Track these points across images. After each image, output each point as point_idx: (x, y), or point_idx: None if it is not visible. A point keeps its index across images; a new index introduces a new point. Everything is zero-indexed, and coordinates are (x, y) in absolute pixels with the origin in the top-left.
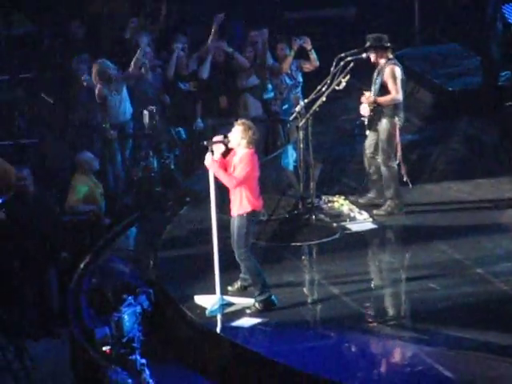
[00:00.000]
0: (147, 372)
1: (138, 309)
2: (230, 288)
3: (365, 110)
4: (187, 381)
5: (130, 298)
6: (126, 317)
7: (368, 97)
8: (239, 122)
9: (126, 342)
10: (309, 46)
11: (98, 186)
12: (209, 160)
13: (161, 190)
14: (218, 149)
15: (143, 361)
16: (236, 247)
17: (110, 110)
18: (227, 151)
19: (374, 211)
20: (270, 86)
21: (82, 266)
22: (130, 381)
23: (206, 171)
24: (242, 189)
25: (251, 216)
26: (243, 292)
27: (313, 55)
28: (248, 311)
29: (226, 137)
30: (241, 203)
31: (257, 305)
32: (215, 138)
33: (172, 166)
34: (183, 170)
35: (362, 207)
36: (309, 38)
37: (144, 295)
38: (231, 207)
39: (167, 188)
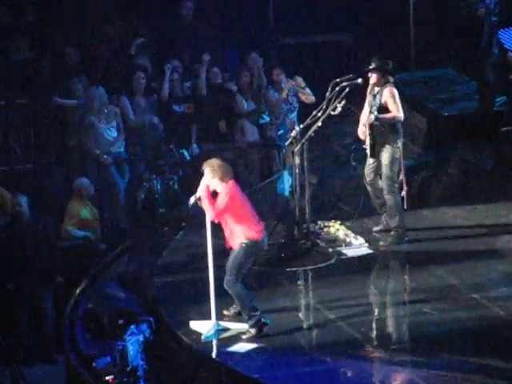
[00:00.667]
0: None
1: (141, 338)
2: (225, 312)
3: (362, 133)
4: None
5: (132, 326)
6: (129, 346)
7: (369, 117)
8: (203, 167)
9: (131, 371)
10: (302, 84)
11: (94, 212)
12: (202, 187)
13: (165, 212)
14: (204, 198)
15: None
16: (227, 273)
17: (98, 138)
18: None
19: (381, 243)
20: (266, 112)
21: (77, 291)
22: None
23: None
24: (233, 220)
25: (250, 246)
26: (239, 317)
27: (307, 92)
28: (243, 337)
29: (197, 197)
30: (234, 234)
31: (251, 330)
32: (194, 198)
33: (176, 187)
34: (187, 192)
35: (364, 233)
36: (301, 78)
37: (145, 324)
38: (229, 241)
39: (172, 209)
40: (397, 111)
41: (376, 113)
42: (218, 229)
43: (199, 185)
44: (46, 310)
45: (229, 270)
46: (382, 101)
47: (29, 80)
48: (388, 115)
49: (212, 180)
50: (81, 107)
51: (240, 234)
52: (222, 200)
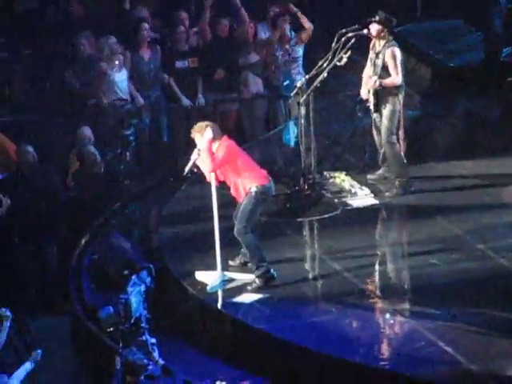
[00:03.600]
0: (157, 351)
1: (143, 287)
2: (231, 263)
3: (364, 93)
4: (188, 356)
5: (133, 277)
6: (132, 298)
7: (374, 83)
8: (191, 132)
9: (135, 323)
10: (294, 9)
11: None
12: (195, 152)
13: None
14: (200, 162)
15: (153, 340)
16: (237, 222)
17: (109, 86)
18: None
19: (386, 193)
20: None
21: (83, 242)
22: (145, 361)
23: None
24: (235, 174)
25: (259, 192)
26: (244, 267)
27: (303, 17)
28: (249, 287)
29: (198, 151)
30: (239, 187)
31: (257, 281)
32: (189, 164)
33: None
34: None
35: (370, 184)
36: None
37: (145, 271)
38: (237, 197)
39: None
40: (396, 75)
41: (377, 78)
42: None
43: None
44: (51, 261)
45: (239, 219)
46: (384, 61)
47: (33, 31)
48: (388, 81)
49: (204, 142)
50: (92, 57)
51: (246, 184)
52: (218, 155)
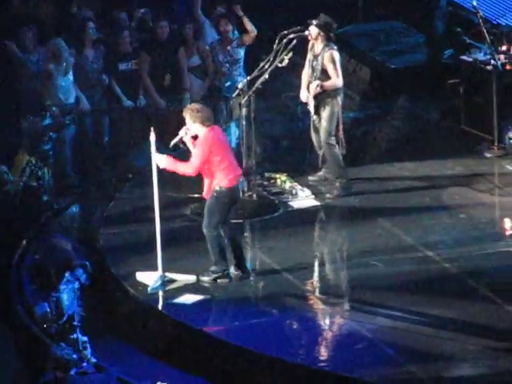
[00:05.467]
0: (89, 349)
1: (76, 285)
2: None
3: (304, 96)
4: (128, 357)
5: (67, 274)
6: (64, 296)
7: (316, 87)
8: (184, 109)
9: (66, 321)
10: (240, 13)
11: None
12: (159, 158)
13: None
14: (187, 141)
15: (85, 338)
16: (203, 221)
17: (53, 88)
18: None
19: (327, 195)
20: None
21: (24, 242)
22: (74, 356)
23: (147, 148)
24: (210, 169)
25: (220, 195)
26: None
27: (247, 22)
28: (201, 277)
29: (187, 129)
30: (211, 182)
31: (208, 274)
32: (180, 135)
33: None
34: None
35: (311, 186)
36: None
37: (81, 269)
38: (207, 190)
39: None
40: (336, 78)
41: (319, 81)
42: (164, 181)
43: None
44: None
45: (204, 216)
46: (323, 65)
47: None
48: (329, 84)
49: (193, 124)
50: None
51: (214, 182)
52: (197, 152)
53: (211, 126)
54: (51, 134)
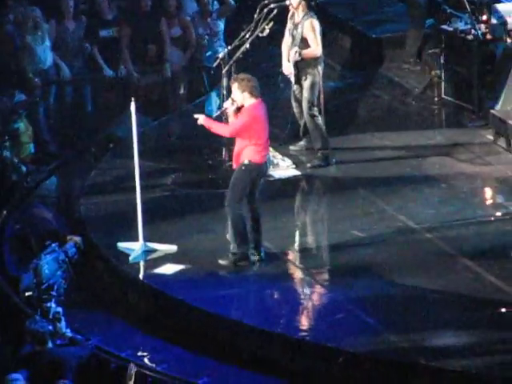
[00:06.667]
0: (63, 322)
1: (62, 256)
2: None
3: (287, 69)
4: (109, 327)
5: (53, 245)
6: (44, 263)
7: (294, 54)
8: (232, 79)
9: (45, 289)
10: None
11: (28, 129)
12: (201, 118)
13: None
14: (230, 112)
15: (59, 309)
16: (227, 197)
17: (32, 59)
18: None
19: (308, 164)
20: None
21: (4, 212)
22: (50, 327)
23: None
24: (244, 140)
25: (249, 169)
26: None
27: None
28: (220, 261)
29: (233, 101)
30: (241, 154)
31: (229, 257)
32: (224, 105)
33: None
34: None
35: (292, 155)
36: None
37: (71, 243)
38: (235, 161)
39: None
40: (316, 46)
41: (298, 48)
42: (145, 151)
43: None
44: None
45: (229, 190)
46: (303, 33)
47: None
48: (308, 52)
49: (241, 94)
50: (16, 27)
51: (243, 156)
52: (241, 119)
53: (260, 98)
54: (21, 111)
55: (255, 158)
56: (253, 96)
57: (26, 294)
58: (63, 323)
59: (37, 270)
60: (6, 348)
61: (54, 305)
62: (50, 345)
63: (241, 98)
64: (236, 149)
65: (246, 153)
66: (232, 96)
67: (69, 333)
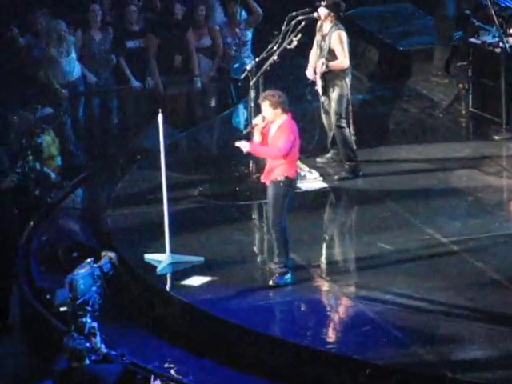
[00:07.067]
0: (98, 337)
1: (97, 271)
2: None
3: (310, 74)
4: (136, 339)
5: (89, 260)
6: (80, 278)
7: (322, 65)
8: (262, 97)
9: (80, 304)
10: None
11: (55, 141)
12: (245, 145)
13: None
14: (258, 130)
15: (94, 324)
16: (271, 216)
17: (58, 71)
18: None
19: (335, 177)
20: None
21: (32, 223)
22: (88, 345)
23: (155, 129)
24: (279, 157)
25: (288, 184)
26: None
27: (252, 3)
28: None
29: (264, 118)
30: (275, 170)
31: (277, 273)
32: (254, 122)
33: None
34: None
35: (319, 167)
36: None
37: (106, 259)
38: (264, 174)
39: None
40: (343, 58)
41: (325, 60)
42: (172, 162)
43: None
44: None
45: (270, 210)
46: (330, 45)
47: None
48: (335, 64)
49: (274, 111)
50: (42, 40)
51: (281, 171)
52: (287, 138)
53: (290, 113)
54: (44, 126)
55: (291, 172)
56: (284, 112)
57: (61, 309)
58: (98, 338)
59: (72, 285)
60: (32, 360)
61: (89, 320)
62: (87, 361)
63: (272, 114)
64: (270, 165)
65: (281, 168)
66: (262, 113)
67: (103, 348)
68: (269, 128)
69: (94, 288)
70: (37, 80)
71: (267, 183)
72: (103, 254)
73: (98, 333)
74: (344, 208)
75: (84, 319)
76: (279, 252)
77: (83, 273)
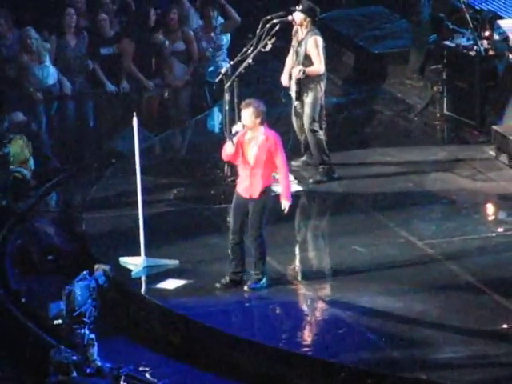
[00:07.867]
0: (96, 348)
1: (93, 283)
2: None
3: (285, 80)
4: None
5: (85, 272)
6: (77, 290)
7: (298, 72)
8: (245, 104)
9: (76, 316)
10: (222, 1)
11: (28, 145)
12: (287, 204)
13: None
14: (236, 137)
15: (92, 336)
16: (255, 227)
17: (31, 77)
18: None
19: (310, 180)
20: None
21: (6, 227)
22: (74, 358)
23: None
24: (269, 167)
25: (270, 193)
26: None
27: (230, 10)
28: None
29: (244, 126)
30: (261, 181)
31: (256, 281)
32: (234, 130)
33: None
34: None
35: (294, 171)
36: None
37: (100, 271)
38: (247, 189)
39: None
40: (319, 64)
41: (302, 67)
42: (146, 165)
43: None
44: None
45: (255, 223)
46: (307, 50)
47: None
48: (312, 70)
49: (254, 120)
50: (13, 47)
51: (266, 182)
52: (282, 154)
53: (264, 125)
54: (11, 136)
55: (270, 181)
56: (262, 123)
57: (55, 322)
58: (95, 349)
59: (70, 296)
60: (26, 377)
61: (87, 331)
62: (74, 374)
63: (252, 122)
64: (258, 177)
65: (266, 181)
66: (242, 120)
67: (98, 361)
68: (244, 140)
69: (89, 300)
70: (8, 82)
71: (256, 198)
72: (96, 266)
73: (95, 344)
74: (319, 211)
75: (82, 331)
76: (257, 260)
77: (81, 284)
